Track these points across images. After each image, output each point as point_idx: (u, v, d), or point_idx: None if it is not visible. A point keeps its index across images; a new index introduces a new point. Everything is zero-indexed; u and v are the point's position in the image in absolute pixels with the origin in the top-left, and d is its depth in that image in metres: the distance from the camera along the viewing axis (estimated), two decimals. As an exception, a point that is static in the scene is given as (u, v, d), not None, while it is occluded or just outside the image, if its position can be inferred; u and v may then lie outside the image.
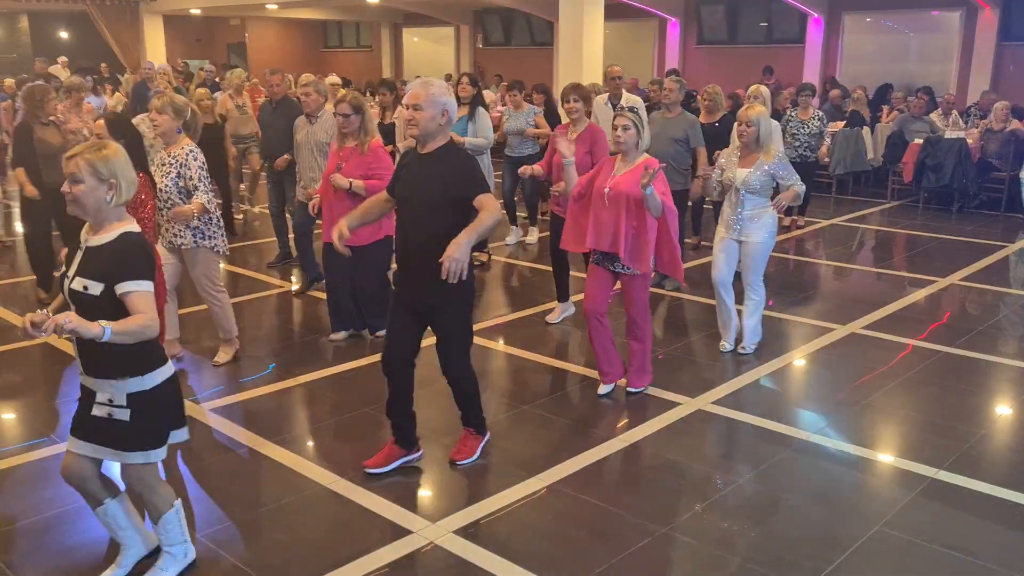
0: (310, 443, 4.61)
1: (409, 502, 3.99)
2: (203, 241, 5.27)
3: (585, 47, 12.51)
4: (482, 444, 4.40)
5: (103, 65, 17.51)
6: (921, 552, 3.63)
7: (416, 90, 3.81)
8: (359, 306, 6.08)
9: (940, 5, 15.16)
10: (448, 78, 18.86)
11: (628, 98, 8.36)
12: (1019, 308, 7.05)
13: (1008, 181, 10.72)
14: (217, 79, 14.36)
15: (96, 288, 2.95)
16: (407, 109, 3.83)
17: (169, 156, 5.11)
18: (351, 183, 5.53)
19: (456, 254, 3.63)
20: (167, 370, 3.17)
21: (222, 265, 5.49)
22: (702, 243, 8.70)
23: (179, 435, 3.30)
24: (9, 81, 11.38)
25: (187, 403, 4.99)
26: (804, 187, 5.60)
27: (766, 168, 5.48)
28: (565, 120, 6.33)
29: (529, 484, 4.12)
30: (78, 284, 2.98)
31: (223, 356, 5.71)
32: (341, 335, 6.12)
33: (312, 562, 3.54)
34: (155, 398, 3.12)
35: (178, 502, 3.36)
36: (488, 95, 16.85)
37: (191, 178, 5.05)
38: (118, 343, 2.89)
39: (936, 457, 4.39)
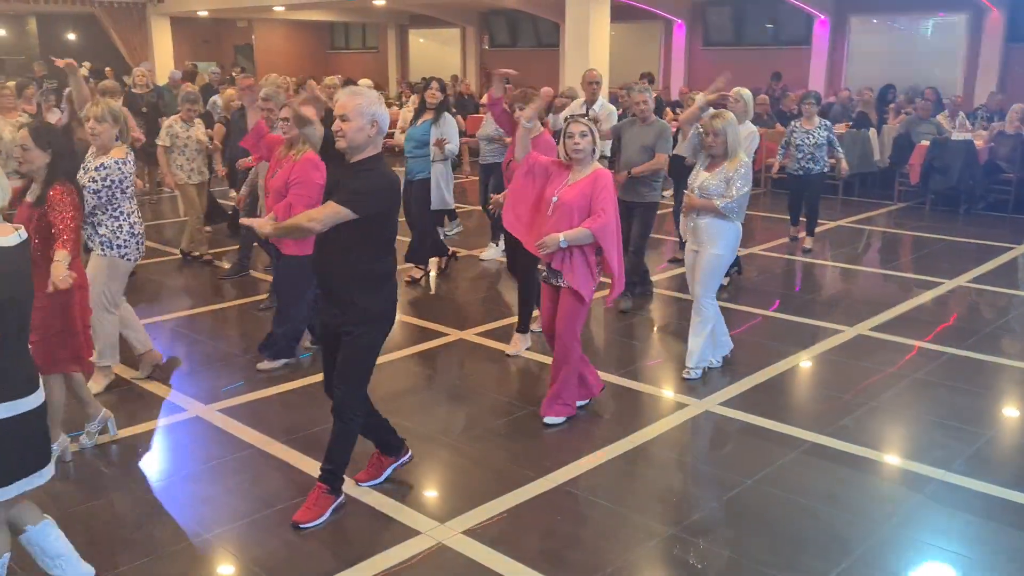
0: (318, 444, 4.61)
1: (417, 503, 4.00)
2: (110, 250, 5.00)
3: (591, 49, 12.53)
4: (333, 507, 3.87)
5: (108, 69, 17.53)
6: (930, 553, 3.62)
7: (343, 100, 3.58)
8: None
9: (946, 7, 15.13)
10: (455, 79, 18.89)
11: (604, 104, 8.09)
12: (1027, 310, 7.03)
13: (1016, 183, 10.70)
14: (224, 80, 14.32)
15: None
16: (336, 120, 3.61)
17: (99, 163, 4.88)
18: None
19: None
20: (29, 402, 2.87)
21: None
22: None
23: (36, 479, 2.97)
24: (10, 84, 11.39)
25: (195, 402, 5.06)
26: (732, 210, 5.15)
27: (727, 175, 5.16)
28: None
29: (537, 485, 4.12)
30: None
31: (94, 385, 5.07)
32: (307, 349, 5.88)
33: (321, 562, 3.56)
34: (5, 431, 2.82)
35: (6, 556, 3.04)
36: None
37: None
38: None
39: (944, 459, 4.39)
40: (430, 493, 4.15)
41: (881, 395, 5.24)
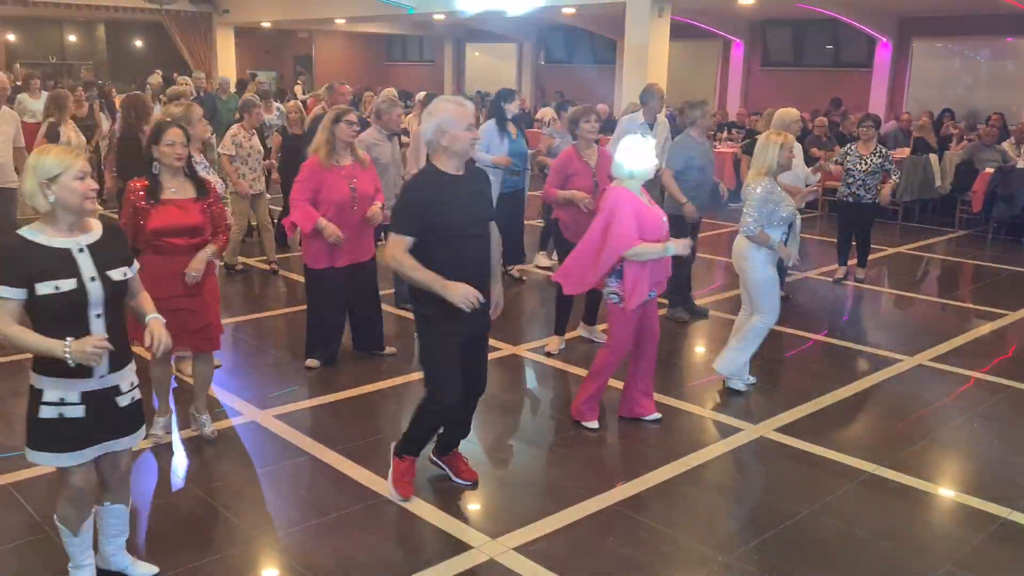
0: (373, 454, 4.65)
1: (470, 517, 4.00)
2: None
3: (650, 67, 12.52)
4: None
5: (175, 75, 17.98)
6: (993, 594, 3.53)
7: (470, 109, 3.74)
8: (365, 326, 5.92)
9: (1014, 32, 14.82)
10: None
11: (660, 119, 7.99)
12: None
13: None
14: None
15: (131, 271, 3.13)
16: (468, 130, 3.70)
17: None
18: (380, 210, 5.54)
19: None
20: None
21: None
22: None
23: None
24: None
25: (251, 407, 5.13)
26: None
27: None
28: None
29: (589, 504, 4.10)
30: (120, 274, 3.06)
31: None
32: (317, 363, 5.82)
33: (373, 573, 3.57)
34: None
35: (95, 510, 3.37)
36: (547, 112, 16.92)
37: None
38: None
39: (1009, 496, 4.26)
40: (482, 508, 4.15)
41: (941, 427, 5.12)
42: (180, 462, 4.52)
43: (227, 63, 20.61)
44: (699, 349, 6.58)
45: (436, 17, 19.54)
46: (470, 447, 4.65)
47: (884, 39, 16.05)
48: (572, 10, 16.13)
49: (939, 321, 7.51)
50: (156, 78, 15.11)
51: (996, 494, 4.29)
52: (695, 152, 6.60)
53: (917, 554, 3.78)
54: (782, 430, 5.00)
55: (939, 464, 4.72)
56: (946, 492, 4.37)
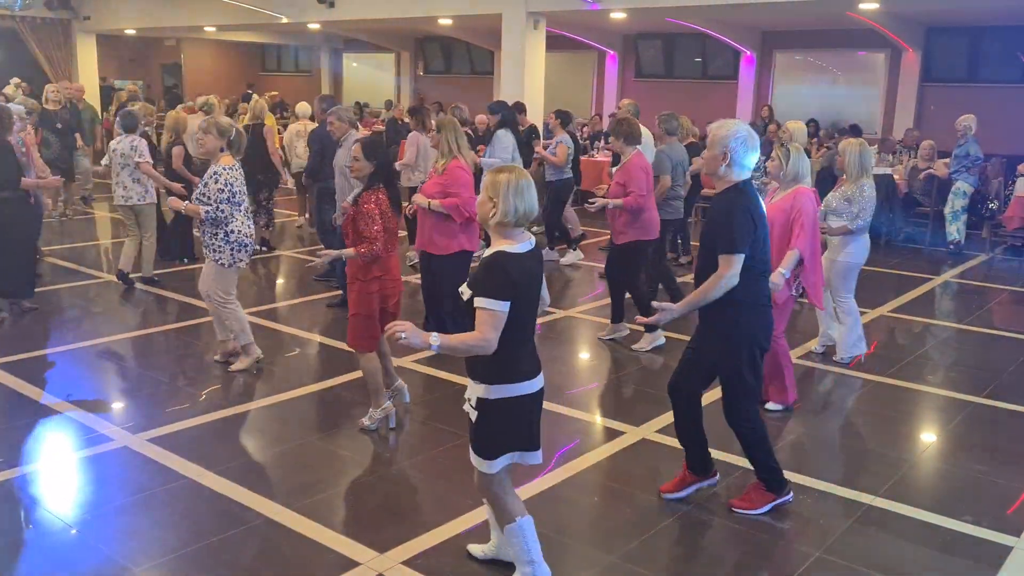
0: (253, 473, 4.52)
1: (357, 532, 3.94)
2: (210, 254, 5.70)
3: (526, 77, 12.68)
4: (773, 503, 4.19)
5: (24, 86, 16.94)
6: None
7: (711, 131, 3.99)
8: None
9: (866, 46, 15.73)
10: (389, 104, 18.86)
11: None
12: (946, 339, 7.30)
13: (932, 216, 11.17)
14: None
15: (467, 294, 3.17)
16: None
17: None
18: (429, 203, 6.07)
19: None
20: (522, 388, 3.23)
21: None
22: None
23: (529, 458, 3.38)
24: None
25: (122, 431, 4.90)
26: None
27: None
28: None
29: (477, 513, 4.08)
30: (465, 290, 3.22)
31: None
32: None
33: (257, 596, 3.47)
34: (496, 410, 3.22)
35: (525, 519, 3.38)
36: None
37: (205, 195, 5.55)
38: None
39: (871, 485, 4.51)
40: (370, 522, 4.08)
41: (807, 423, 5.36)
42: (43, 493, 4.28)
43: (89, 71, 19.65)
44: (584, 355, 6.68)
45: (311, 26, 19.23)
46: (352, 462, 4.58)
47: (748, 52, 16.76)
48: (449, 21, 16.17)
49: (809, 318, 7.87)
50: (11, 88, 14.31)
51: (861, 483, 4.53)
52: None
53: (788, 543, 3.95)
54: (664, 431, 5.12)
55: (811, 459, 4.94)
56: (816, 482, 4.55)
